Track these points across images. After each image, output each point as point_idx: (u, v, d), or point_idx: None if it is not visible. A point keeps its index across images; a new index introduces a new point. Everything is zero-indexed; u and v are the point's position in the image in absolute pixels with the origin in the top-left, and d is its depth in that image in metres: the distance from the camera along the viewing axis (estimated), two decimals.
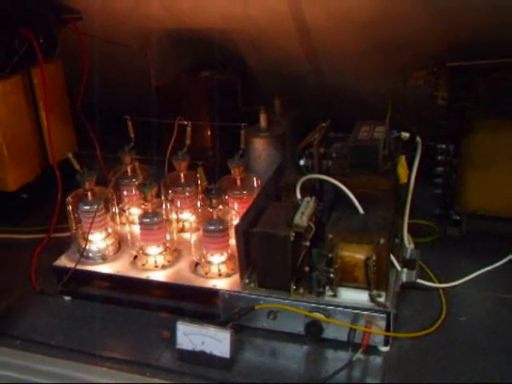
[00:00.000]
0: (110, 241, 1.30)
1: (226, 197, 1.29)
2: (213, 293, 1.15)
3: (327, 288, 1.09)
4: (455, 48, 1.33)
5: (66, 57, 1.60)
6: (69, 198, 1.28)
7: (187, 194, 1.35)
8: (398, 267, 1.16)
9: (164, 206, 1.28)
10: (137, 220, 1.28)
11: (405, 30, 1.37)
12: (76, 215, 1.29)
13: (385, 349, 1.08)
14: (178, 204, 1.36)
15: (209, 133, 1.53)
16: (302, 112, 1.55)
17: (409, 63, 1.39)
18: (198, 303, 1.18)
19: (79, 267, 1.25)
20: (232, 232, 1.18)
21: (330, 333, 1.09)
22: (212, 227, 1.20)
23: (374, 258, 1.04)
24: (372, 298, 1.06)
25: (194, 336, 1.06)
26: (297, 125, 1.55)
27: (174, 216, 1.31)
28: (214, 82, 1.55)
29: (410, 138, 1.20)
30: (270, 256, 1.08)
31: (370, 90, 1.48)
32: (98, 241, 1.29)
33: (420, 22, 1.34)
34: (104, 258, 1.28)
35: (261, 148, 1.48)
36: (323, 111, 1.33)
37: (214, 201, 1.20)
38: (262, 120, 1.50)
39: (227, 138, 1.44)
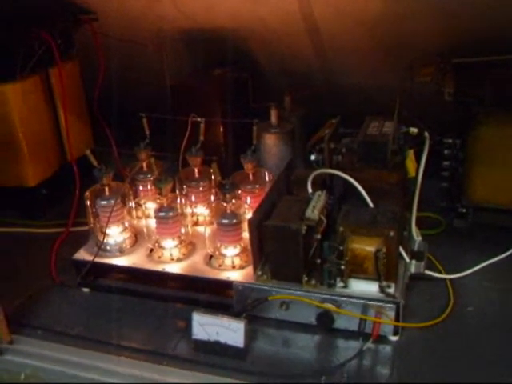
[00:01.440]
0: (126, 234, 1.30)
1: (239, 191, 1.29)
2: (227, 284, 1.15)
3: (338, 279, 1.09)
4: (461, 44, 1.32)
5: (83, 57, 1.60)
6: (87, 194, 1.29)
7: (201, 188, 1.35)
8: (407, 259, 1.15)
9: (179, 201, 1.28)
10: (153, 214, 1.29)
11: (411, 27, 1.36)
12: (94, 210, 1.29)
13: (394, 338, 1.08)
14: (193, 198, 1.36)
15: (221, 129, 1.53)
16: (312, 108, 1.55)
17: (416, 60, 1.38)
18: (213, 294, 1.18)
19: (97, 260, 1.25)
20: (245, 225, 1.17)
21: (340, 323, 1.09)
22: (226, 221, 1.20)
23: (384, 250, 1.04)
24: (382, 289, 1.06)
25: (208, 326, 1.06)
26: (306, 121, 1.54)
27: (188, 210, 1.31)
28: (226, 79, 1.54)
29: (418, 133, 1.19)
30: (282, 248, 1.08)
31: (378, 87, 1.47)
32: (115, 234, 1.29)
33: (426, 20, 1.33)
34: (121, 251, 1.28)
35: (272, 143, 1.48)
36: (332, 107, 1.33)
37: (227, 195, 1.20)
38: (273, 116, 1.49)
39: (239, 134, 1.44)
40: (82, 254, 1.28)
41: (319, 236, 1.08)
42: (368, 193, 1.13)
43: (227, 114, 1.50)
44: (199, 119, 1.33)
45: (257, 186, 1.32)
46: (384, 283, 1.06)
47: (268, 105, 1.49)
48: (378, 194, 1.13)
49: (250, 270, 1.16)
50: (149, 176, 1.40)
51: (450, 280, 1.22)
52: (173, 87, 1.54)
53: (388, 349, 1.07)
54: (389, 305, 1.05)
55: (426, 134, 1.19)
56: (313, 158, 1.21)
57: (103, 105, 1.58)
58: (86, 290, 1.26)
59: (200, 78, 1.58)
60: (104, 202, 1.27)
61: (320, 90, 1.55)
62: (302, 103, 1.56)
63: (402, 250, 1.13)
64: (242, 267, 1.20)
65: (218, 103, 1.52)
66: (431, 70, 1.32)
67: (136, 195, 1.41)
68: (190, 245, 1.28)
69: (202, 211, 1.36)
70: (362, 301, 1.06)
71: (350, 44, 1.45)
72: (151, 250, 1.27)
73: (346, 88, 1.53)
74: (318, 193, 1.15)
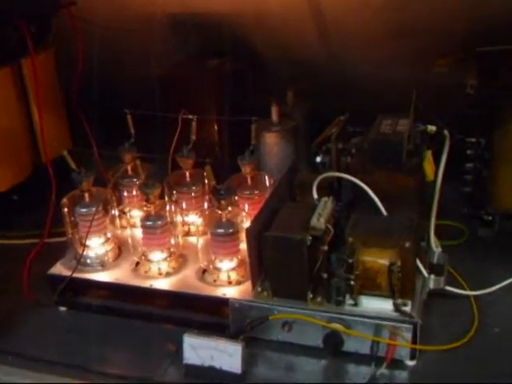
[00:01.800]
0: (109, 246, 1.31)
1: (236, 197, 1.29)
2: (222, 302, 1.15)
3: (347, 296, 1.09)
4: (485, 31, 1.33)
5: (60, 46, 1.60)
6: (64, 200, 1.29)
7: (193, 194, 1.36)
8: (425, 273, 1.16)
9: (168, 208, 1.28)
10: (138, 223, 1.29)
11: (425, 12, 1.36)
12: (72, 218, 1.29)
13: (411, 363, 1.08)
14: (184, 205, 1.37)
15: (216, 127, 1.54)
16: (317, 103, 1.55)
17: (432, 49, 1.39)
18: (206, 314, 1.18)
19: (76, 275, 1.25)
20: (243, 236, 1.17)
21: (350, 345, 1.08)
22: (221, 230, 1.20)
23: (399, 263, 1.04)
24: (396, 307, 1.07)
25: (202, 350, 1.06)
26: (311, 118, 1.55)
27: (179, 218, 1.31)
28: (222, 71, 1.55)
29: (436, 131, 1.20)
30: (284, 262, 1.09)
31: (391, 79, 1.48)
32: (96, 246, 1.30)
33: (441, 3, 1.33)
34: (103, 265, 1.29)
35: (272, 143, 1.48)
36: (340, 103, 1.34)
37: (222, 202, 1.20)
38: (274, 113, 1.50)
39: (236, 133, 1.44)
40: (59, 269, 1.28)
41: (326, 247, 1.08)
42: (380, 199, 1.14)
43: (223, 110, 1.50)
44: (191, 116, 1.33)
45: (256, 191, 1.32)
46: (399, 301, 1.06)
47: (268, 100, 1.49)
48: (392, 200, 1.14)
49: (248, 285, 1.16)
50: (134, 180, 1.40)
51: (474, 297, 1.21)
52: (161, 79, 1.54)
53: (404, 375, 1.07)
54: (405, 325, 1.05)
55: (446, 132, 1.20)
56: (318, 159, 1.21)
57: (83, 100, 1.58)
58: (63, 309, 1.26)
59: (192, 69, 1.58)
60: (84, 210, 1.27)
61: (327, 83, 1.56)
62: (307, 98, 1.57)
63: (419, 262, 1.13)
64: (239, 283, 1.20)
65: (212, 98, 1.52)
66: (449, 59, 1.32)
67: (120, 202, 1.41)
68: (180, 258, 1.28)
69: (195, 220, 1.36)
70: (374, 320, 1.06)
71: (357, 29, 1.46)
72: (137, 264, 1.28)
73: (355, 80, 1.53)
74: (325, 199, 1.15)
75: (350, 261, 1.06)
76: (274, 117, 1.50)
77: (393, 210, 1.13)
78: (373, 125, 1.22)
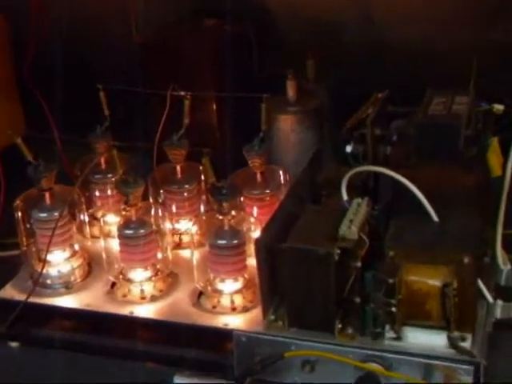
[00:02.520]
0: (76, 262, 1.31)
1: (242, 198, 1.30)
2: (224, 335, 1.15)
3: (387, 327, 1.08)
4: None
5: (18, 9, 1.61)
6: (17, 202, 1.29)
7: (186, 194, 1.37)
8: (490, 298, 1.14)
9: (153, 212, 1.29)
10: (115, 232, 1.29)
11: None
12: (28, 225, 1.30)
13: None
14: (174, 209, 1.37)
15: (215, 107, 1.55)
16: (346, 77, 1.55)
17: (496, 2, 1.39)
18: (203, 350, 1.18)
19: (32, 300, 1.25)
20: (251, 248, 1.17)
21: None
22: (222, 241, 1.20)
23: (455, 284, 1.04)
24: (452, 343, 1.06)
25: None
26: (339, 95, 1.54)
27: (167, 226, 1.31)
28: (221, 35, 1.56)
29: (504, 111, 1.19)
30: (305, 282, 1.08)
31: (443, 43, 1.48)
32: (59, 262, 1.30)
33: None
34: (68, 287, 1.29)
35: (288, 128, 1.49)
36: (376, 75, 1.37)
37: (224, 204, 1.20)
38: (290, 89, 1.50)
39: (241, 115, 1.44)
40: (10, 292, 1.28)
41: (359, 264, 1.08)
42: (430, 200, 1.13)
43: (223, 85, 1.51)
44: (183, 93, 1.33)
45: (267, 190, 1.33)
46: (455, 334, 1.06)
47: (283, 72, 1.49)
48: (446, 203, 1.14)
49: (257, 313, 1.16)
50: (109, 176, 1.41)
51: None
52: (144, 45, 1.55)
53: None
54: (463, 366, 1.04)
55: None
56: (349, 149, 1.21)
57: (41, 73, 1.58)
58: (14, 344, 1.25)
59: (183, 33, 1.58)
60: (43, 215, 1.27)
61: (358, 50, 1.57)
62: (333, 70, 1.57)
63: (481, 284, 1.11)
64: (245, 309, 1.20)
65: (209, 69, 1.53)
66: None
67: (90, 204, 1.42)
68: (169, 277, 1.28)
69: (188, 227, 1.36)
70: (422, 359, 1.06)
71: None
72: (113, 285, 1.28)
73: (396, 46, 1.53)
74: (357, 200, 1.15)
75: (391, 281, 1.05)
76: (291, 94, 1.50)
77: (446, 215, 1.13)
78: (420, 104, 1.22)
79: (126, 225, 1.25)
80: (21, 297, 1.25)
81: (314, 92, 1.53)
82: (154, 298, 1.25)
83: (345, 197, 1.19)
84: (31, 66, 1.59)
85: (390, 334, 1.08)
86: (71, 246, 1.31)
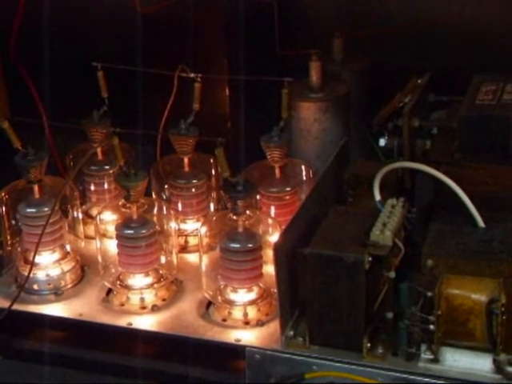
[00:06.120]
0: (67, 265, 1.31)
1: (258, 196, 1.31)
2: (235, 351, 1.16)
3: (423, 348, 1.08)
4: None
5: None
6: (1, 194, 1.29)
7: (194, 190, 1.36)
8: None
9: (157, 210, 1.29)
10: (112, 232, 1.29)
11: None
12: (13, 223, 1.29)
13: None
14: (180, 206, 1.37)
15: (228, 92, 1.54)
16: (380, 59, 1.54)
17: None
18: (211, 368, 1.19)
19: (17, 307, 1.25)
20: (268, 254, 1.17)
21: None
22: (235, 245, 1.20)
23: (503, 299, 1.03)
24: (498, 366, 1.05)
25: None
26: (371, 80, 1.54)
27: (173, 226, 1.31)
28: (236, 7, 1.53)
29: None
30: (330, 293, 1.08)
31: (493, 21, 1.47)
32: (48, 265, 1.30)
33: None
34: (58, 293, 1.29)
35: (312, 117, 1.47)
36: (414, 58, 1.37)
37: (238, 202, 1.19)
38: (314, 72, 1.48)
39: (258, 102, 1.44)
40: None
41: (393, 274, 1.07)
42: (476, 202, 1.12)
43: (238, 66, 1.50)
44: (192, 74, 1.33)
45: (287, 187, 1.33)
46: (502, 356, 1.04)
47: (306, 52, 1.47)
48: (493, 206, 1.14)
49: (274, 328, 1.16)
50: (107, 168, 1.41)
51: None
52: (148, 18, 1.53)
53: None
54: None
55: None
56: (382, 143, 1.21)
57: (28, 48, 1.57)
58: None
59: (193, 5, 1.55)
60: (31, 210, 1.28)
61: (394, 29, 1.55)
62: (364, 51, 1.56)
63: None
64: (260, 323, 1.20)
65: (221, 47, 1.52)
66: None
67: (85, 200, 1.41)
68: (173, 284, 1.28)
69: (196, 228, 1.35)
70: None
71: None
72: (108, 292, 1.28)
73: (436, 24, 1.52)
74: (392, 201, 1.14)
75: (429, 294, 1.05)
76: (315, 78, 1.49)
77: (494, 219, 1.13)
78: (466, 92, 1.21)
79: (125, 224, 1.25)
80: (4, 304, 1.26)
81: (341, 77, 1.53)
82: (155, 308, 1.25)
83: (377, 197, 1.19)
84: (17, 39, 1.59)
85: (426, 355, 1.08)
86: (62, 246, 1.33)
